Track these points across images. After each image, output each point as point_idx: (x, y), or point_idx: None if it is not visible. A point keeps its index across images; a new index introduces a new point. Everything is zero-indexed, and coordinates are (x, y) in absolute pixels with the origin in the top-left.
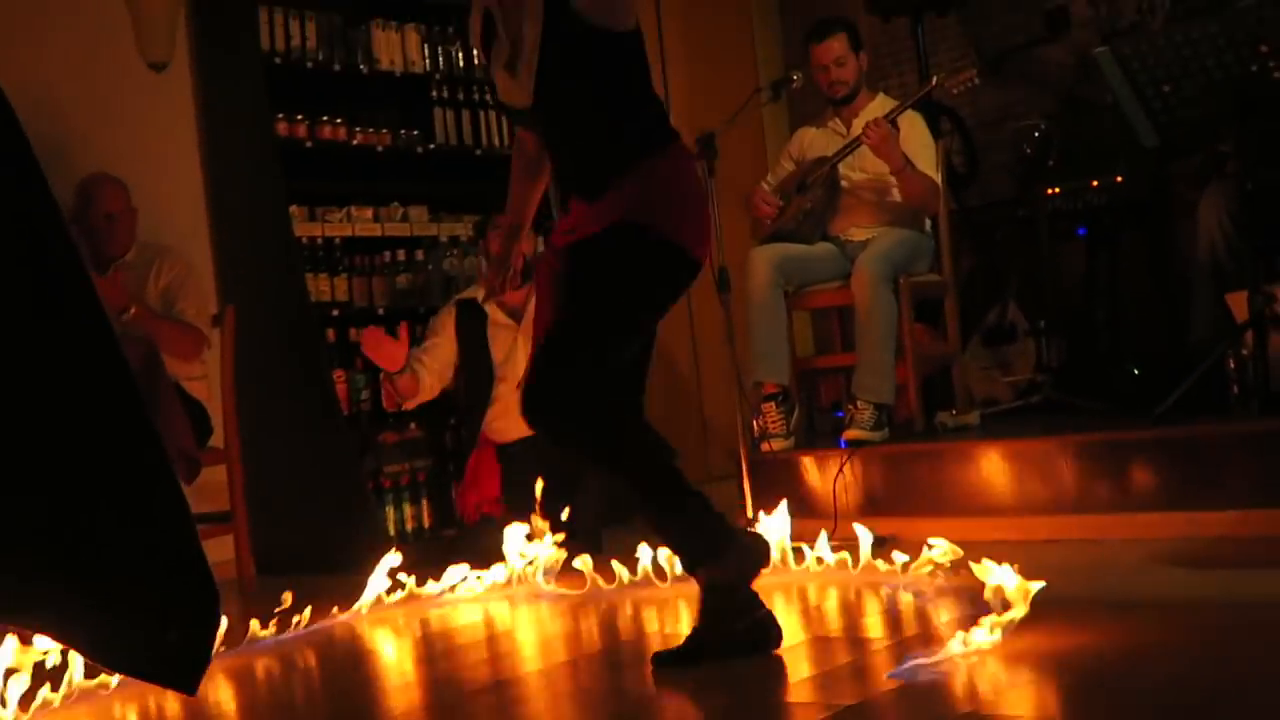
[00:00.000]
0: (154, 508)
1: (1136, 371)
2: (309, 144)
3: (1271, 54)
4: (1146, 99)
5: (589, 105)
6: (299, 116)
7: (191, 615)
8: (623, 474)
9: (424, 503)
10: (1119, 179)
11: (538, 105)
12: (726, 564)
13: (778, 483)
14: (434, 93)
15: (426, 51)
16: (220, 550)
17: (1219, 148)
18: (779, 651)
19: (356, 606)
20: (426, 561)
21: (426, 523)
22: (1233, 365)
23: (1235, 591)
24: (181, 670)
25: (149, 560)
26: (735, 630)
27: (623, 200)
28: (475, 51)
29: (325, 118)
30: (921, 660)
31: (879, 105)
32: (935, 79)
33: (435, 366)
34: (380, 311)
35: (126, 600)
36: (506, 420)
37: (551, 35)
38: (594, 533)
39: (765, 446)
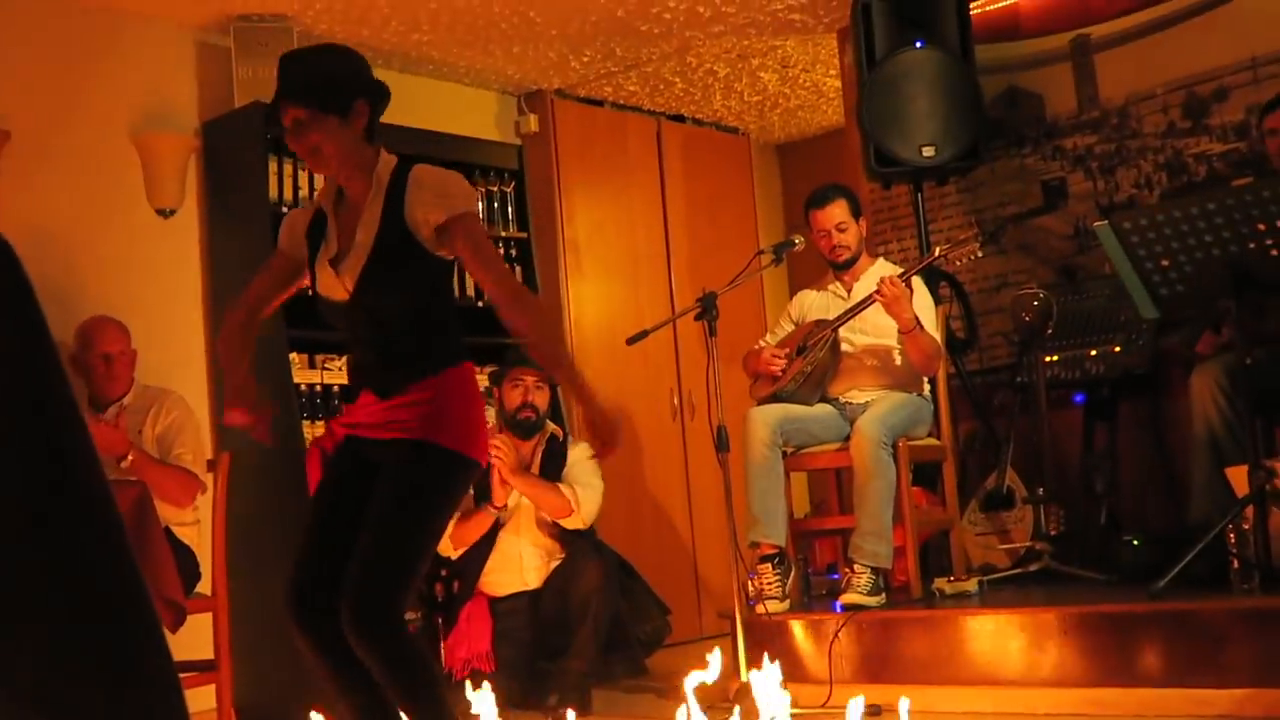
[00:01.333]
0: (147, 670)
1: (1135, 543)
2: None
3: (1269, 232)
4: (1145, 271)
5: (399, 313)
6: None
7: None
8: (410, 687)
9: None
10: (1116, 348)
11: (353, 304)
12: None
13: (771, 645)
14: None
15: None
16: (202, 700)
17: (1212, 320)
18: None
19: None
20: None
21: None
22: (1233, 540)
23: None
24: None
25: None
26: None
27: (415, 414)
28: (282, 241)
29: None
30: None
31: (879, 270)
32: (938, 250)
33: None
34: None
35: None
36: (504, 573)
37: (381, 242)
38: (583, 691)
39: (760, 608)
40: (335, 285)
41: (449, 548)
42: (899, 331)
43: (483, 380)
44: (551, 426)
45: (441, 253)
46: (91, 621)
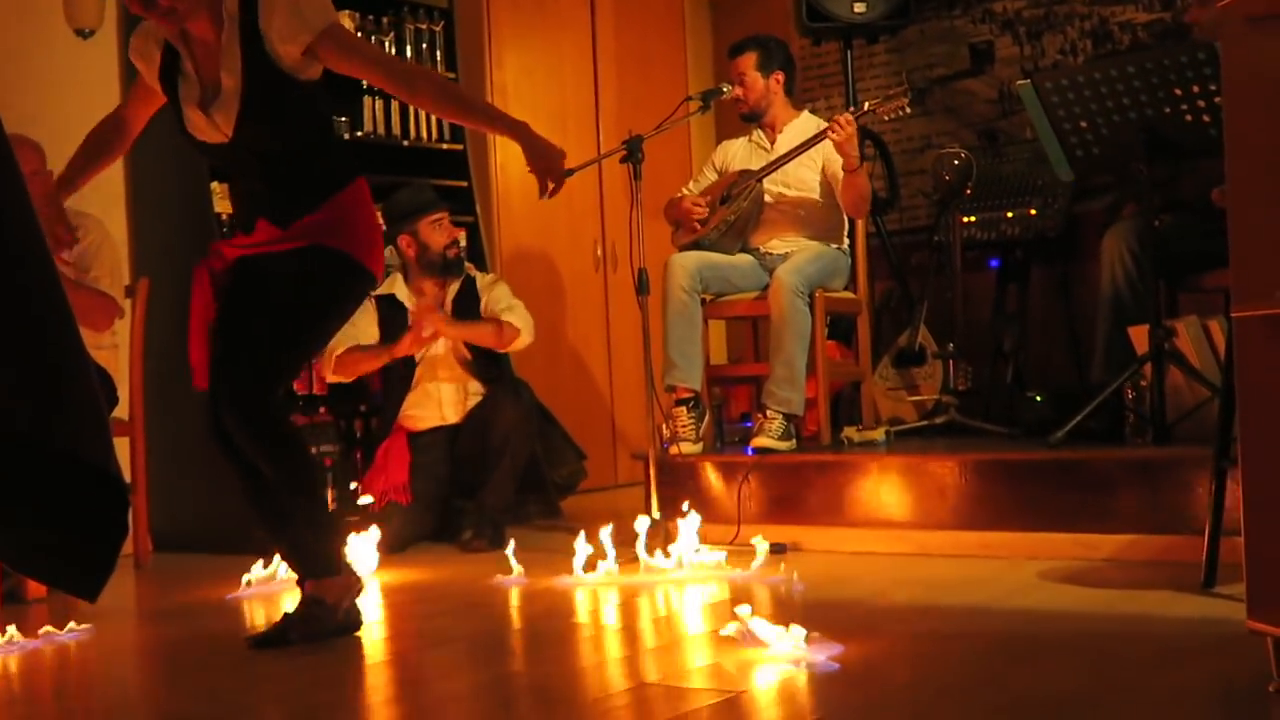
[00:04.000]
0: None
1: (1039, 400)
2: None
3: (1184, 97)
4: (1063, 133)
5: (284, 147)
6: None
7: (98, 519)
8: (286, 473)
9: (329, 489)
10: (1032, 211)
11: (234, 145)
12: (335, 586)
13: (684, 487)
14: (364, 81)
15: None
16: None
17: (1128, 185)
18: None
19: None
20: None
21: (330, 508)
22: (1130, 396)
23: (1115, 609)
24: (85, 575)
25: (55, 461)
26: (324, 629)
27: (313, 229)
28: (140, 69)
29: None
30: None
31: (804, 122)
32: (868, 103)
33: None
34: None
35: (30, 499)
36: (423, 409)
37: (250, 84)
38: (497, 527)
39: (674, 451)
40: (208, 128)
41: (329, 371)
42: (842, 170)
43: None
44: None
45: (310, 75)
46: (21, 344)
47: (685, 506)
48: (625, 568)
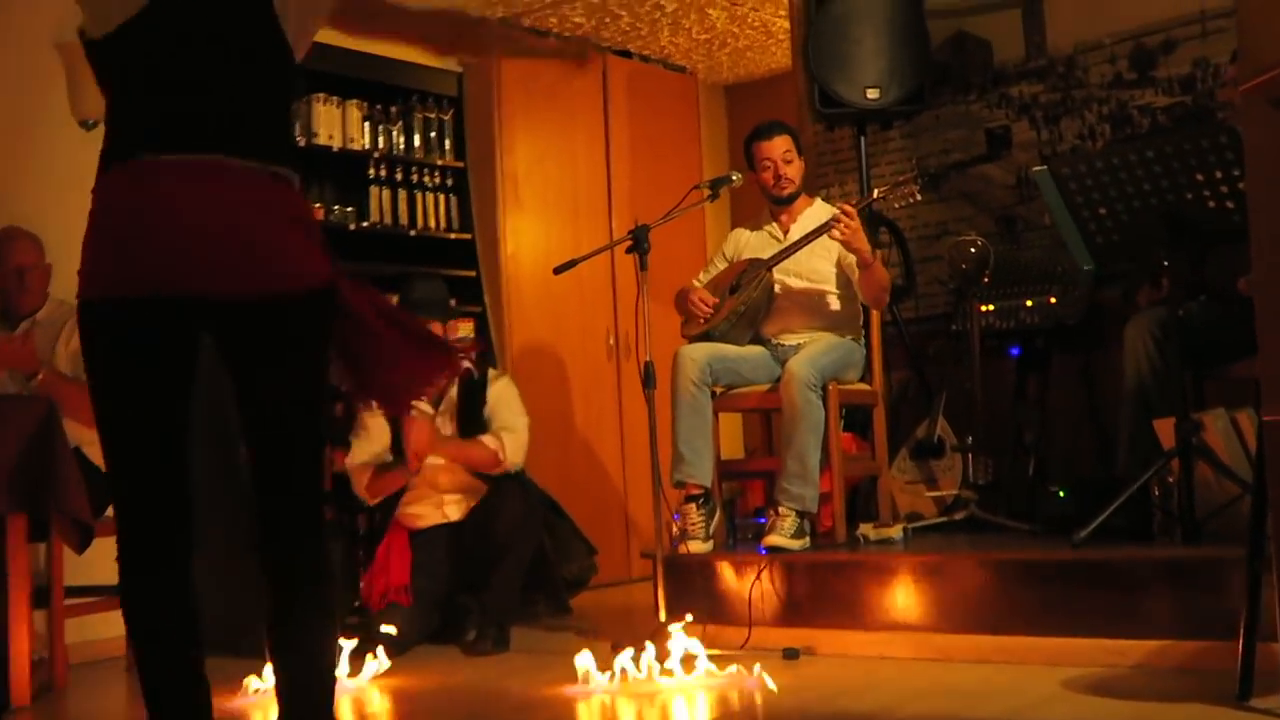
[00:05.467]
0: None
1: (1062, 495)
2: None
3: (1207, 183)
4: (1082, 220)
5: None
6: None
7: None
8: None
9: None
10: (1052, 299)
11: None
12: None
13: (694, 587)
14: (372, 170)
15: (367, 129)
16: (112, 625)
17: (1151, 273)
18: None
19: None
20: None
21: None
22: (1157, 493)
23: None
24: None
25: None
26: None
27: None
28: None
29: None
30: None
31: (817, 210)
32: (877, 191)
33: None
34: None
35: None
36: (423, 507)
37: None
38: (502, 628)
39: (683, 548)
40: None
41: (364, 494)
42: (857, 265)
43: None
44: (466, 363)
45: None
46: None
47: (689, 617)
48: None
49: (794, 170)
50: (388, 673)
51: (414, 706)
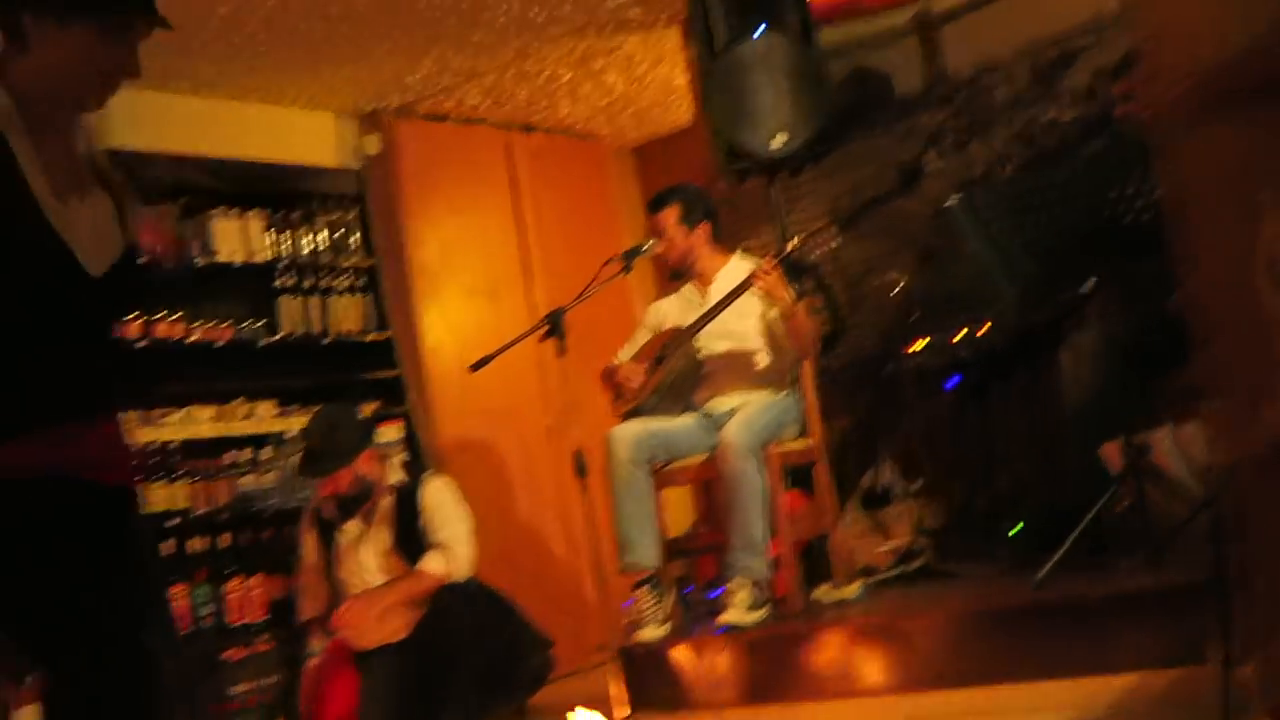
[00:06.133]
0: None
1: (1015, 531)
2: (143, 343)
3: (1121, 199)
4: (1002, 249)
5: None
6: (132, 315)
7: None
8: None
9: None
10: (981, 330)
11: None
12: None
13: (655, 675)
14: (278, 281)
15: (270, 239)
16: None
17: (1077, 294)
18: None
19: None
20: None
21: None
22: (1111, 520)
23: None
24: None
25: None
26: None
27: None
28: None
29: (161, 314)
30: None
31: (736, 266)
32: (794, 240)
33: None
34: (223, 516)
35: None
36: (365, 629)
37: None
38: None
39: (638, 637)
40: None
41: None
42: (781, 316)
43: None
44: (397, 471)
45: None
46: None
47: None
48: None
49: (674, 245)
50: None
51: None
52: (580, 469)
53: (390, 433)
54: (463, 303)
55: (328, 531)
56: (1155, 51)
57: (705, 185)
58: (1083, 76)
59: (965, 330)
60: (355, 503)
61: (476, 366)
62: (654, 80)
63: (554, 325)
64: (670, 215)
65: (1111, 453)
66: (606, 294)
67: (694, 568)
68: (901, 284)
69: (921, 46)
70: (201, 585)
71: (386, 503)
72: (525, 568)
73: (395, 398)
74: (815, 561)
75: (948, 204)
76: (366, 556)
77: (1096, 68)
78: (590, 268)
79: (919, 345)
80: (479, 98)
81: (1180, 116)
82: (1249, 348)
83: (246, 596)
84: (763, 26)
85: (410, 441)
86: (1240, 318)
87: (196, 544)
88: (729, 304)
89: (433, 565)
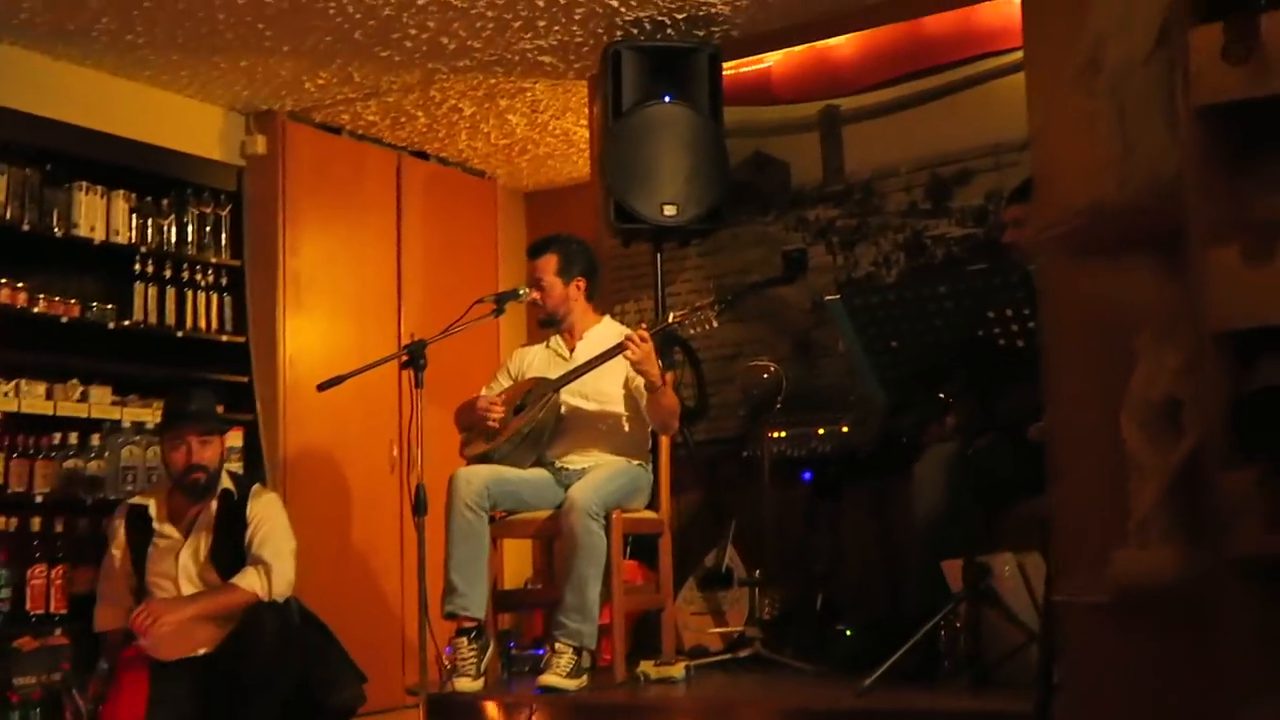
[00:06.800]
0: None
1: (849, 634)
2: None
3: (998, 320)
4: (874, 352)
5: None
6: None
7: None
8: None
9: None
10: (844, 428)
11: None
12: None
13: None
14: (138, 266)
15: (134, 222)
16: None
17: (940, 408)
18: None
19: None
20: None
21: None
22: (944, 637)
23: None
24: None
25: None
26: None
27: None
28: None
29: (5, 280)
30: None
31: (606, 329)
32: (673, 315)
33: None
34: (39, 499)
35: None
36: (168, 638)
37: None
38: None
39: (451, 686)
40: None
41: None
42: (646, 388)
43: (147, 416)
44: (225, 480)
45: None
46: None
47: None
48: None
49: (551, 295)
50: None
51: None
52: (419, 505)
53: (231, 439)
54: (328, 319)
55: (142, 532)
56: (1048, 185)
57: (592, 242)
58: (977, 197)
59: (826, 428)
60: (204, 490)
61: (324, 386)
62: (556, 129)
63: (414, 356)
64: (549, 264)
65: (953, 570)
66: (474, 336)
67: (523, 623)
68: (770, 372)
69: (823, 142)
70: (1, 567)
71: (210, 510)
72: (350, 599)
73: (242, 405)
74: (644, 636)
75: (827, 299)
76: (182, 562)
77: (990, 190)
78: (464, 305)
79: (780, 434)
80: (377, 115)
81: (1064, 250)
82: (1105, 490)
83: (49, 586)
84: (670, 96)
85: (248, 452)
86: (1099, 458)
87: (4, 523)
88: (601, 363)
89: (248, 581)
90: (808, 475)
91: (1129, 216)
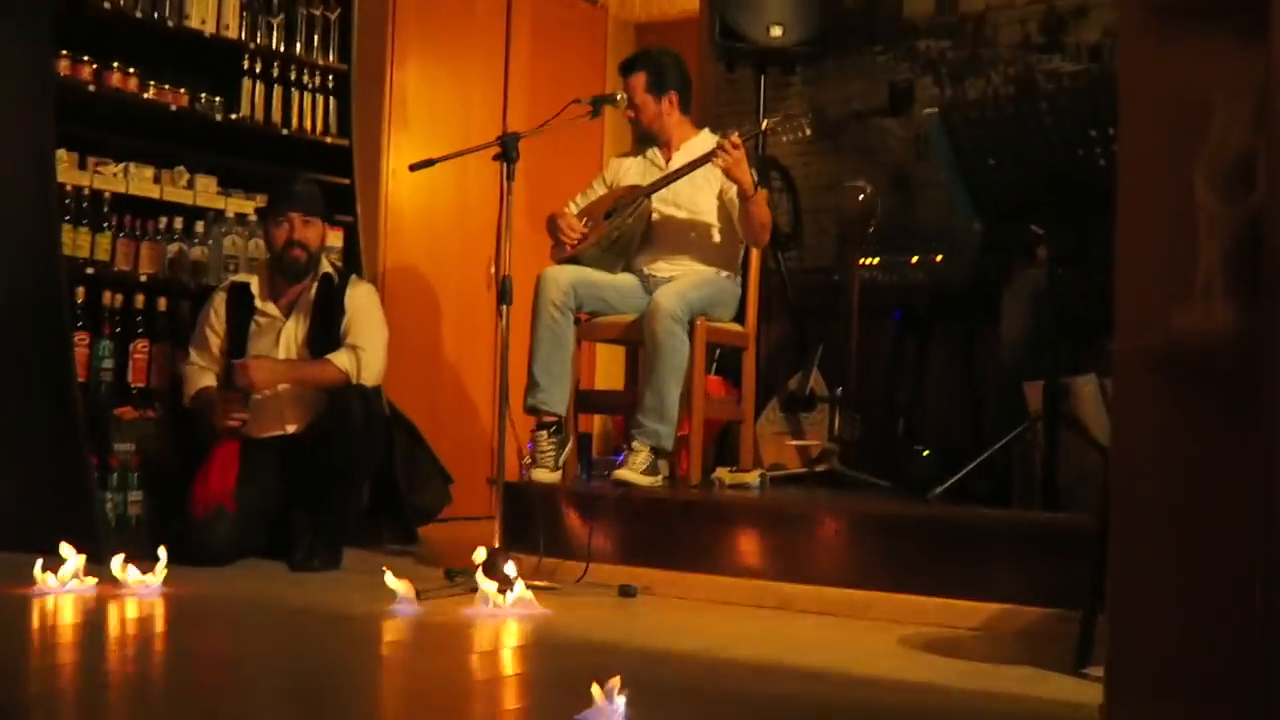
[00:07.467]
0: None
1: (925, 454)
2: (92, 88)
3: (1100, 139)
4: (969, 171)
5: None
6: (85, 58)
7: None
8: None
9: (151, 488)
10: (939, 258)
11: None
12: None
13: (538, 517)
14: (246, 63)
15: (245, 19)
16: None
17: (1033, 231)
18: None
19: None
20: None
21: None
22: (1019, 458)
23: (969, 685)
24: None
25: None
26: None
27: None
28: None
29: (117, 65)
30: None
31: (702, 141)
32: (766, 122)
33: (214, 365)
34: (143, 278)
35: None
36: (260, 414)
37: None
38: (332, 548)
39: (528, 476)
40: None
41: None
42: (737, 195)
43: (249, 209)
44: (326, 266)
45: None
46: None
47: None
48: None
49: (643, 111)
50: (193, 579)
51: (198, 610)
52: (504, 295)
53: (331, 239)
54: (432, 134)
55: (244, 309)
56: None
57: (696, 69)
58: (1093, 33)
59: (919, 257)
60: (310, 265)
61: (416, 167)
62: None
63: (506, 148)
64: (638, 82)
65: (1034, 391)
66: (577, 144)
67: (610, 429)
68: (865, 193)
69: None
70: (105, 338)
71: (310, 293)
72: (442, 405)
73: (343, 207)
74: (723, 448)
75: (927, 111)
76: (283, 340)
77: (1108, 23)
78: (569, 136)
79: (872, 261)
80: None
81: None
82: (1169, 248)
83: (150, 362)
84: None
85: (348, 254)
86: (1166, 217)
87: (109, 299)
88: (691, 170)
89: (341, 359)
90: (897, 314)
91: None
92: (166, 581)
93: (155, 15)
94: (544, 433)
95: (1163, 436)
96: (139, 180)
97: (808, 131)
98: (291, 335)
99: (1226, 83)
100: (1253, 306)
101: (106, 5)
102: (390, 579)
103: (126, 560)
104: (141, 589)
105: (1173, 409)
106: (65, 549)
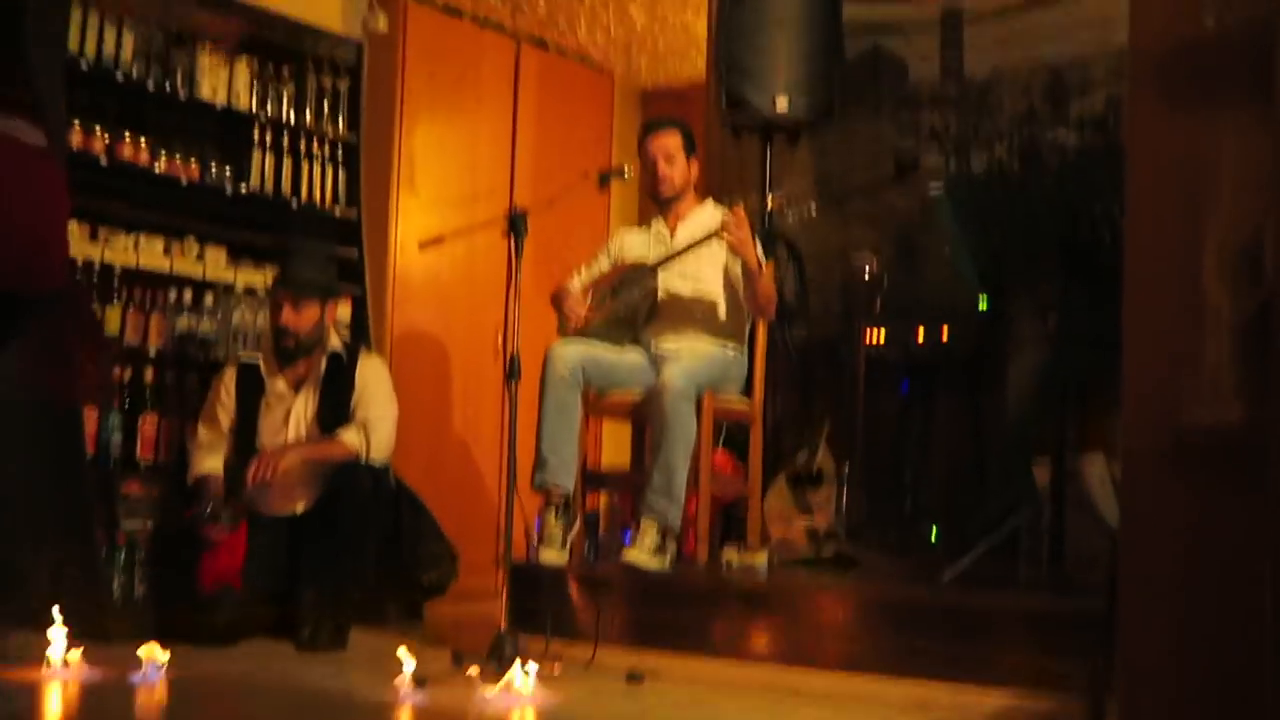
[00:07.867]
0: None
1: (933, 533)
2: (104, 161)
3: (1104, 215)
4: (975, 243)
5: None
6: (98, 129)
7: None
8: None
9: (158, 566)
10: (944, 331)
11: None
12: None
13: (545, 599)
14: (256, 133)
15: (255, 89)
16: None
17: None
18: None
19: None
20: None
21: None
22: (1029, 538)
23: None
24: None
25: None
26: None
27: None
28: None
29: (128, 136)
30: None
31: (706, 213)
32: (772, 199)
33: (222, 442)
34: (152, 353)
35: None
36: (268, 495)
37: None
38: (338, 627)
39: (536, 557)
40: None
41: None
42: (743, 271)
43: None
44: (333, 344)
45: None
46: None
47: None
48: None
49: (676, 170)
50: (198, 660)
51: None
52: (513, 371)
53: (341, 312)
54: (440, 200)
55: (254, 389)
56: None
57: (703, 138)
58: (1096, 105)
59: (927, 329)
60: (301, 350)
61: (426, 244)
62: (676, 24)
63: (514, 225)
64: (675, 138)
65: (1041, 474)
66: (583, 217)
67: (616, 504)
68: (872, 265)
69: (942, 42)
70: (115, 411)
71: (319, 368)
72: (448, 478)
73: (351, 277)
74: (730, 526)
75: (932, 184)
76: (294, 417)
77: (1112, 96)
78: (577, 199)
79: (879, 332)
80: (499, 1)
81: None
82: (1177, 341)
83: (159, 435)
84: None
85: (356, 325)
86: (1174, 310)
87: (119, 373)
88: (698, 245)
89: (349, 436)
90: (904, 385)
91: (1219, 52)
92: (172, 662)
93: (167, 86)
94: (551, 512)
95: (1171, 523)
96: (149, 252)
97: (813, 213)
98: (301, 412)
99: (1233, 161)
100: (1262, 400)
101: (120, 78)
102: (404, 655)
103: (132, 640)
104: (148, 670)
105: (1181, 495)
106: (55, 631)
